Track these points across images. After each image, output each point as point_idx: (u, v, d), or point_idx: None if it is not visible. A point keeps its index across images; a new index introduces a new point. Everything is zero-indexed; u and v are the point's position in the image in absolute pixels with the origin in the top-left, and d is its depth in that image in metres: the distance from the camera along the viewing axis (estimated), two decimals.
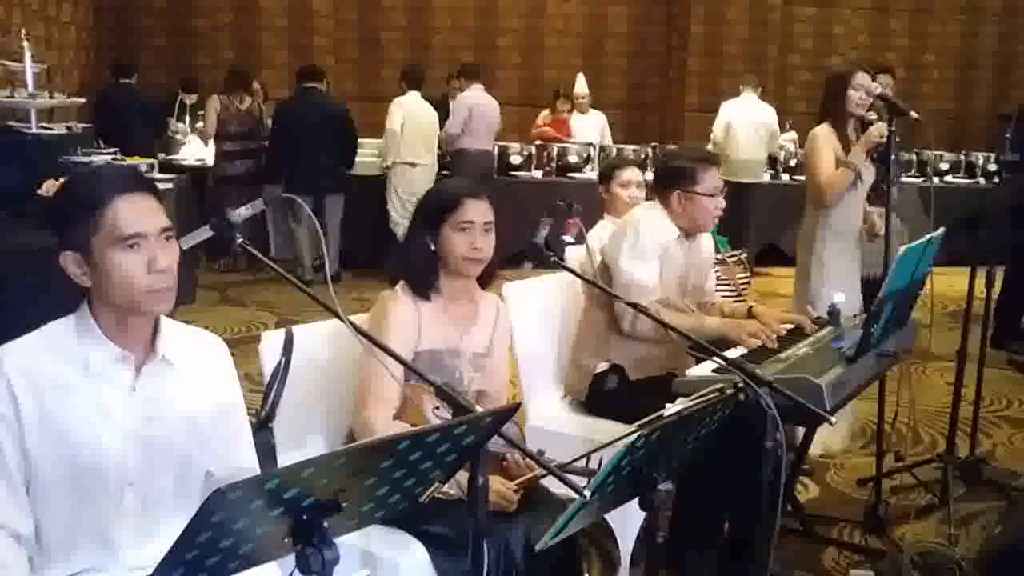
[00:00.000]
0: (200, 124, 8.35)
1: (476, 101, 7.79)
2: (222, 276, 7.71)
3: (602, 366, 3.26)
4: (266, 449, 2.29)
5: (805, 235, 4.10)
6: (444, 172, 8.08)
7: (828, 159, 3.89)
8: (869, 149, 3.85)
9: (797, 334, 3.13)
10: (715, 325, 3.12)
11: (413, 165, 7.60)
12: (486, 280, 2.64)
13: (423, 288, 2.51)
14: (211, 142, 7.88)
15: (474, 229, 2.47)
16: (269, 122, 7.79)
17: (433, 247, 2.50)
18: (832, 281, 3.86)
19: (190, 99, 8.73)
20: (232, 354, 1.97)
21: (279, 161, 7.48)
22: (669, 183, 3.23)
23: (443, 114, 8.36)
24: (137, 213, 1.69)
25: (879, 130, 3.76)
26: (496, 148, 8.25)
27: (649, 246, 3.16)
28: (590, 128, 9.38)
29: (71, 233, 1.68)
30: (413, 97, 7.70)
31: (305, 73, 7.70)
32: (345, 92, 9.47)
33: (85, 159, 6.02)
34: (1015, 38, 12.34)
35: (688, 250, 3.30)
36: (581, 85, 9.53)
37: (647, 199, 3.44)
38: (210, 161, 7.99)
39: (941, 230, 3.13)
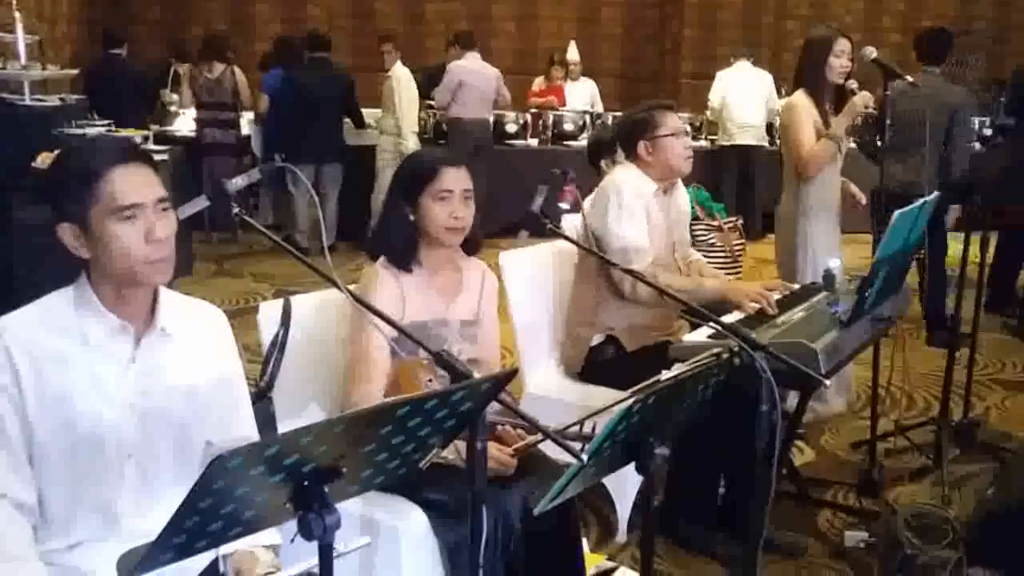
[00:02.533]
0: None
1: (468, 70, 7.70)
2: (219, 247, 7.71)
3: (597, 338, 3.27)
4: (266, 418, 2.32)
5: (786, 211, 4.04)
6: (440, 142, 8.05)
7: (809, 131, 3.81)
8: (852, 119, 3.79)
9: (791, 299, 3.16)
10: (714, 288, 3.13)
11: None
12: (472, 247, 2.61)
13: (404, 261, 2.48)
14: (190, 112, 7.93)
15: (453, 198, 2.44)
16: (245, 90, 7.79)
17: (412, 218, 2.47)
18: (819, 255, 3.83)
19: (183, 68, 8.65)
20: (230, 325, 1.98)
21: (282, 128, 7.50)
22: (632, 136, 3.26)
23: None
24: (134, 184, 1.69)
25: (864, 100, 3.70)
26: (492, 117, 8.20)
27: (635, 204, 3.17)
28: (581, 95, 9.36)
29: (68, 205, 1.68)
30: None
31: (313, 43, 7.68)
32: (338, 62, 9.40)
33: (79, 131, 5.99)
34: (1011, 5, 12.26)
35: (668, 205, 3.32)
36: (572, 52, 9.49)
37: None
38: None
39: (935, 195, 3.14)
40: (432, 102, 8.18)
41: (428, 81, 8.32)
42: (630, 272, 2.66)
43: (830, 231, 3.99)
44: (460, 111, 7.72)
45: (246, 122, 8.12)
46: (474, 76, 7.72)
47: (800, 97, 3.88)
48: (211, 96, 7.66)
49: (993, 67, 11.90)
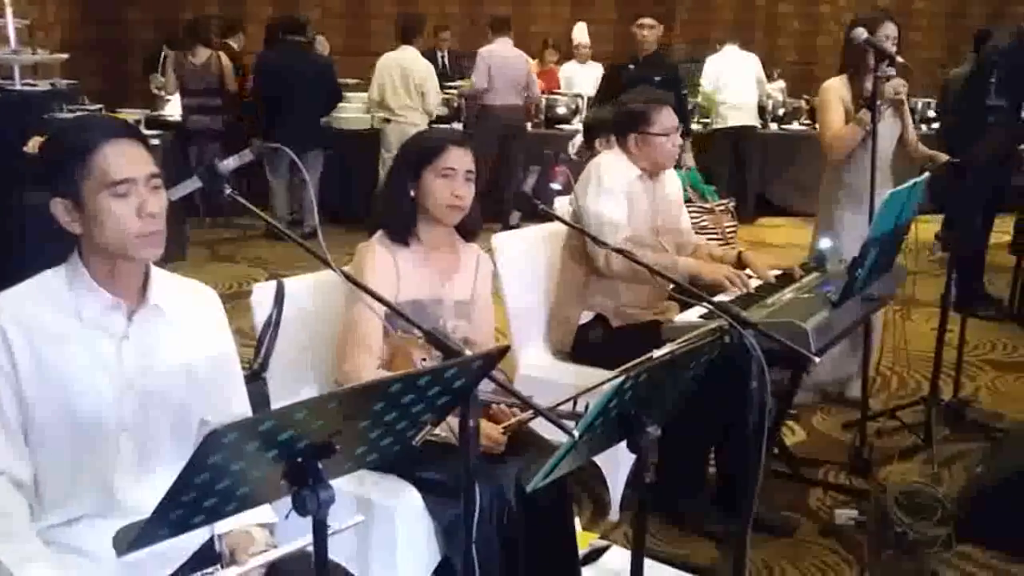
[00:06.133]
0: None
1: (497, 55, 7.63)
2: (212, 232, 7.70)
3: (586, 316, 3.29)
4: (259, 399, 2.33)
5: (823, 192, 4.06)
6: (450, 124, 8.04)
7: (837, 114, 3.82)
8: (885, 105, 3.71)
9: (786, 280, 3.17)
10: (688, 265, 3.16)
11: (387, 121, 7.53)
12: (471, 235, 2.64)
13: (402, 234, 2.50)
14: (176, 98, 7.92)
15: (456, 176, 2.46)
16: (232, 75, 7.80)
17: (413, 193, 2.49)
18: (848, 239, 3.73)
19: (171, 54, 8.61)
20: (224, 309, 1.99)
21: (262, 115, 7.44)
22: (625, 127, 3.28)
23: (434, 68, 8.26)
24: (126, 159, 1.70)
25: (895, 86, 3.67)
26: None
27: (614, 185, 3.20)
28: (588, 78, 9.32)
29: (61, 180, 1.69)
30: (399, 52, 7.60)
31: (286, 26, 7.57)
32: (332, 45, 9.36)
33: (70, 115, 5.98)
34: None
35: (652, 190, 3.33)
36: (583, 34, 9.43)
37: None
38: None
39: (926, 175, 3.15)
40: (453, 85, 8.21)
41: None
42: (613, 248, 2.66)
43: (863, 217, 3.75)
44: (490, 97, 7.67)
45: None
46: (504, 61, 7.65)
47: (835, 81, 3.89)
48: (198, 82, 7.63)
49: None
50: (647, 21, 6.76)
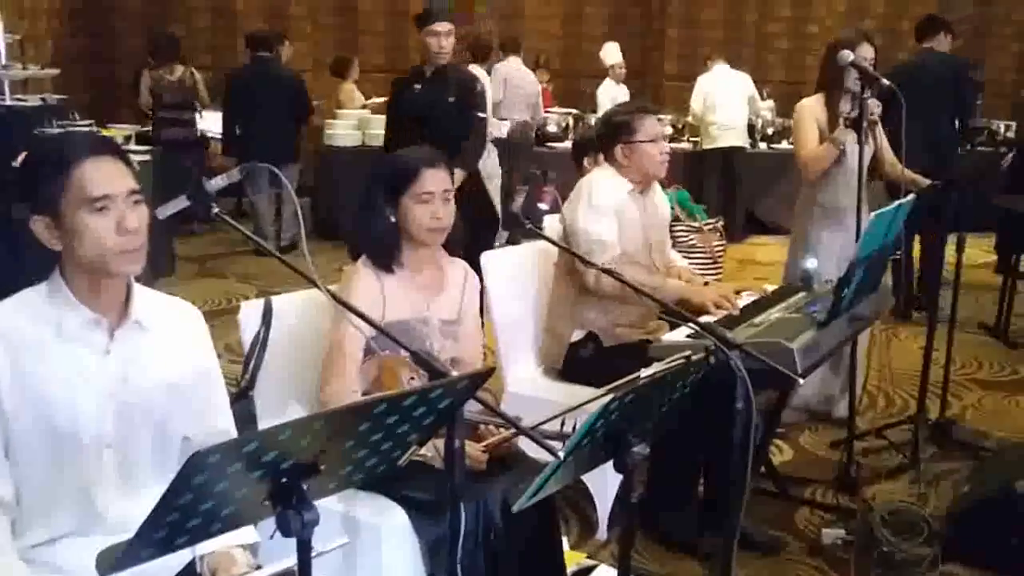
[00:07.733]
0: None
1: (510, 72, 7.72)
2: (201, 248, 7.69)
3: (577, 334, 3.29)
4: (247, 417, 2.32)
5: (797, 210, 4.09)
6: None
7: (811, 134, 3.84)
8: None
9: (770, 299, 3.19)
10: (676, 287, 3.18)
11: None
12: (456, 246, 2.64)
13: (386, 261, 2.49)
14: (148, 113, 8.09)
15: (434, 199, 2.46)
16: (203, 90, 8.03)
17: (393, 219, 2.48)
18: (822, 257, 3.75)
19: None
20: (212, 326, 1.99)
21: (234, 131, 7.47)
22: (610, 139, 3.28)
23: None
24: (104, 175, 1.70)
25: (870, 107, 3.71)
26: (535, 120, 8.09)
27: (604, 203, 3.20)
28: (625, 98, 9.36)
29: (40, 197, 1.70)
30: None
31: (255, 42, 7.61)
32: (323, 61, 9.37)
33: (60, 131, 5.96)
34: (990, 5, 12.34)
35: (644, 206, 3.34)
36: (616, 54, 9.38)
37: None
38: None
39: (911, 196, 3.18)
40: None
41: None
42: (600, 269, 2.67)
43: (840, 235, 3.86)
44: (500, 111, 7.62)
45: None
46: (518, 78, 7.73)
47: (810, 101, 3.91)
48: (174, 96, 7.82)
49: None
50: (442, 27, 4.80)
